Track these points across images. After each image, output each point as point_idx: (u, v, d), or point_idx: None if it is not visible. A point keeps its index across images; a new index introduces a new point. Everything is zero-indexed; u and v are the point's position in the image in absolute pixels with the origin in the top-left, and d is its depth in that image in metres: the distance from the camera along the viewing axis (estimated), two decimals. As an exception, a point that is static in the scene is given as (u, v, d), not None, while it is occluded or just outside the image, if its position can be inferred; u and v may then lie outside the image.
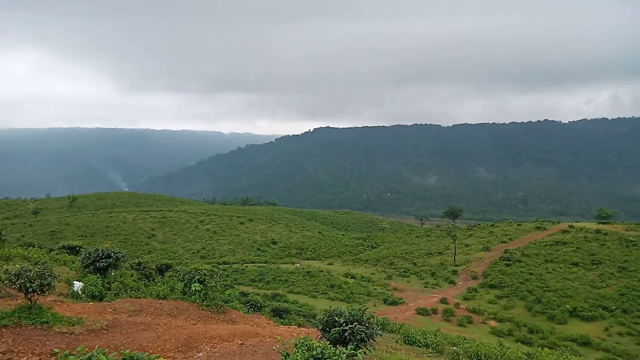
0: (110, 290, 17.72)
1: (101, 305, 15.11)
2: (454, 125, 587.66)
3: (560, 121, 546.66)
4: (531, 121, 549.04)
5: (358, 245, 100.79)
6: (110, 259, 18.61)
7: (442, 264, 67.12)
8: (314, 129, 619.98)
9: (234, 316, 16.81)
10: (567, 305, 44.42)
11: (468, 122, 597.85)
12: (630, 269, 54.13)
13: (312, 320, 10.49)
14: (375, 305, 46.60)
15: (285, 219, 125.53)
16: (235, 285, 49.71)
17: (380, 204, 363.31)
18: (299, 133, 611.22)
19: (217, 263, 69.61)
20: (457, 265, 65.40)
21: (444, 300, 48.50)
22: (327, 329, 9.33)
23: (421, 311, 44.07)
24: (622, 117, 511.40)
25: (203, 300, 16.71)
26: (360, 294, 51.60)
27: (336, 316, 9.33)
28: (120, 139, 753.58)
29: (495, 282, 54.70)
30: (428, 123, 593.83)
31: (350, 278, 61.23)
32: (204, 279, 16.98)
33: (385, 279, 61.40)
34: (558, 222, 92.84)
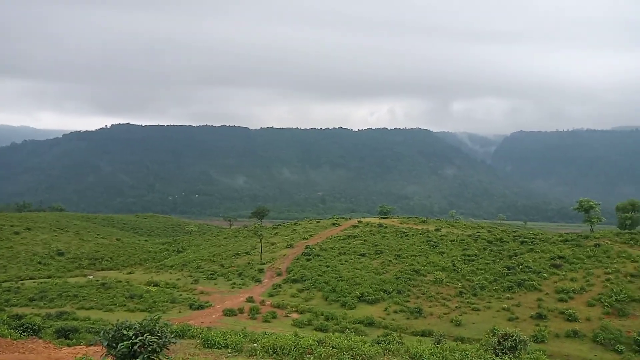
0: None
1: None
2: (262, 128, 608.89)
3: (351, 129, 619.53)
4: (328, 128, 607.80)
5: (163, 250, 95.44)
6: None
7: (249, 263, 68.41)
8: (112, 125, 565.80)
9: (-3, 345, 13.91)
10: (357, 292, 50.22)
11: (274, 126, 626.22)
12: (403, 255, 64.31)
13: (98, 337, 9.34)
14: (180, 312, 44.82)
15: (75, 226, 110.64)
16: (5, 308, 41.55)
17: (187, 206, 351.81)
18: (93, 129, 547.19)
19: (-19, 283, 57.12)
20: (264, 264, 67.53)
21: (250, 299, 49.50)
22: (114, 344, 8.44)
23: (228, 312, 44.12)
24: (398, 127, 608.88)
25: (-49, 332, 13.36)
26: (164, 301, 48.92)
27: (124, 329, 8.48)
28: None
29: (297, 277, 58.33)
30: (236, 125, 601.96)
31: (153, 286, 57.57)
32: (-47, 305, 13.59)
33: (191, 283, 59.57)
34: (350, 218, 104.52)
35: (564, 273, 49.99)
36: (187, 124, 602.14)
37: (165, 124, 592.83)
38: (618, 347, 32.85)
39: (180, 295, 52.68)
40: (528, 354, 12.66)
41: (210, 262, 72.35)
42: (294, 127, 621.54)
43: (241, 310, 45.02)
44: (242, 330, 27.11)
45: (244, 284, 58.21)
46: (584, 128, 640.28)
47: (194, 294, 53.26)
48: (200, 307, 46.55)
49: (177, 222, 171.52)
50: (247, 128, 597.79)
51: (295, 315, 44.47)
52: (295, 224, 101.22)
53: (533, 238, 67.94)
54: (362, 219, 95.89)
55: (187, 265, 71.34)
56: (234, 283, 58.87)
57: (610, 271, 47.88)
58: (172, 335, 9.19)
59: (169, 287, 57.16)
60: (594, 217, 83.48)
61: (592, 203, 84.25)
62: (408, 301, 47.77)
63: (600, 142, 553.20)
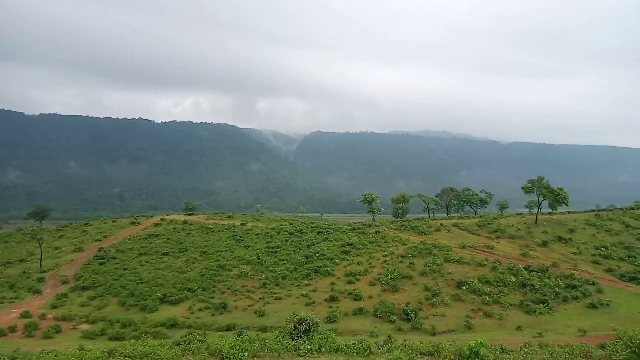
0: None
1: None
2: (41, 114, 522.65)
3: (154, 120, 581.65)
4: (127, 118, 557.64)
5: None
6: None
7: (24, 272, 58.42)
8: None
9: None
10: (158, 294, 47.58)
11: (58, 113, 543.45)
12: (209, 252, 63.63)
13: None
14: None
15: None
16: None
17: None
18: None
19: None
20: (44, 272, 58.56)
21: (26, 314, 42.41)
22: None
23: (-6, 333, 36.80)
24: (204, 122, 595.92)
25: None
26: None
27: None
28: None
29: (88, 283, 52.34)
30: (7, 109, 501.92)
31: None
32: None
33: (-61, 303, 47.60)
34: (152, 216, 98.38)
35: (352, 258, 56.71)
36: None
37: None
38: (392, 318, 38.97)
39: None
40: (320, 334, 13.91)
41: (-32, 275, 59.02)
42: (84, 114, 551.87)
43: (13, 329, 38.17)
44: (14, 351, 22.95)
45: (18, 297, 49.58)
46: (368, 131, 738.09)
47: (-58, 317, 42.70)
48: (-47, 332, 37.62)
49: None
50: (22, 113, 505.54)
51: (85, 327, 39.79)
52: (85, 224, 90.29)
53: (328, 228, 75.21)
54: (166, 216, 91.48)
55: None
56: (4, 297, 49.66)
57: (386, 254, 56.35)
58: None
59: None
60: (375, 208, 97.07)
61: (373, 196, 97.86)
62: (213, 297, 47.49)
63: (380, 143, 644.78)
